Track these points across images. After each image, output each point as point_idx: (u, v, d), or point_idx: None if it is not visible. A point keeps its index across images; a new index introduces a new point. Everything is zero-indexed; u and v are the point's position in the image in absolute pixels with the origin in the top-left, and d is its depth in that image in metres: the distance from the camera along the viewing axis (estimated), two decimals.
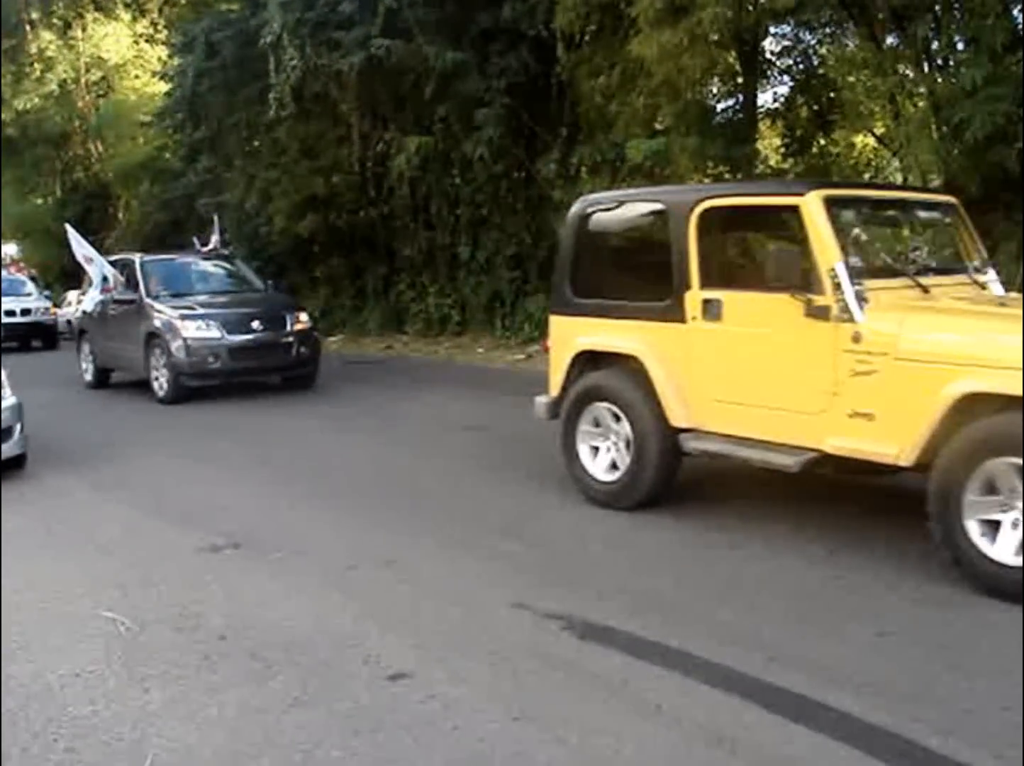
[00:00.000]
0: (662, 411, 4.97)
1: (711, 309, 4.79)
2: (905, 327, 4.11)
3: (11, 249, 34.13)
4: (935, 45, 10.58)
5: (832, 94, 13.84)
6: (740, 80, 13.51)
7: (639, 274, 5.50)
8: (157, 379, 10.46)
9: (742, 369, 4.71)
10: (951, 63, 10.39)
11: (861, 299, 4.21)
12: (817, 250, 4.35)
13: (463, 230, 16.90)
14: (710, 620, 3.66)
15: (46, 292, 22.80)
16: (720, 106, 14.07)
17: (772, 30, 13.04)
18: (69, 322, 19.86)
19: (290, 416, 9.26)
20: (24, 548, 4.88)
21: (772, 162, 14.90)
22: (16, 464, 6.62)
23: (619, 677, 3.19)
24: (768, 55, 13.94)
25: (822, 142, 14.40)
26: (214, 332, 10.25)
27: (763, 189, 5.74)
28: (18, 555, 4.71)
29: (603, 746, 2.76)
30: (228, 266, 12.49)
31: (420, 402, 9.90)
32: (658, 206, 5.34)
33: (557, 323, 5.72)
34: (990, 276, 5.06)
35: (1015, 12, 9.30)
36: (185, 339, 10.15)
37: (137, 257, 11.63)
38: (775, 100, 14.63)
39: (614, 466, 5.27)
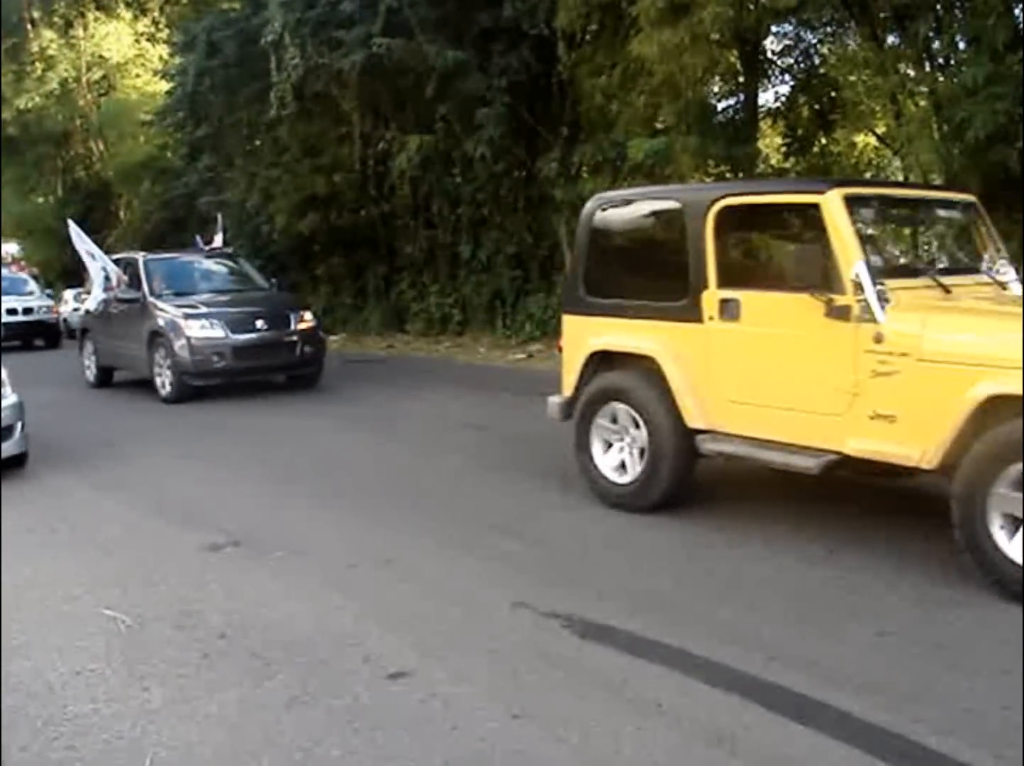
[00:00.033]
0: (678, 412, 4.90)
1: (729, 309, 4.71)
2: (928, 328, 4.03)
3: (12, 248, 34.18)
4: (936, 44, 10.60)
5: (833, 93, 13.85)
6: (741, 79, 13.52)
7: (654, 273, 5.40)
8: (161, 378, 10.45)
9: (760, 370, 4.64)
10: (952, 62, 10.40)
11: (883, 299, 4.13)
12: (838, 249, 4.26)
13: (464, 229, 16.91)
14: (710, 620, 3.66)
15: (48, 291, 22.79)
16: (721, 105, 14.10)
17: (773, 29, 13.05)
18: (64, 320, 19.88)
19: (290, 415, 9.26)
20: (24, 547, 4.88)
21: (773, 161, 14.92)
22: (17, 463, 6.62)
23: (619, 676, 3.19)
24: (769, 54, 13.97)
25: (823, 141, 14.42)
26: (218, 331, 10.23)
27: (782, 187, 5.62)
28: (18, 554, 4.71)
29: (603, 745, 2.77)
30: (232, 265, 12.47)
31: (421, 401, 9.90)
32: (674, 204, 5.22)
33: (570, 323, 5.64)
34: (1010, 276, 4.95)
35: (1016, 11, 9.30)
36: (189, 338, 10.13)
37: (140, 256, 11.61)
38: (776, 99, 14.68)
39: (628, 467, 5.20)
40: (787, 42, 13.77)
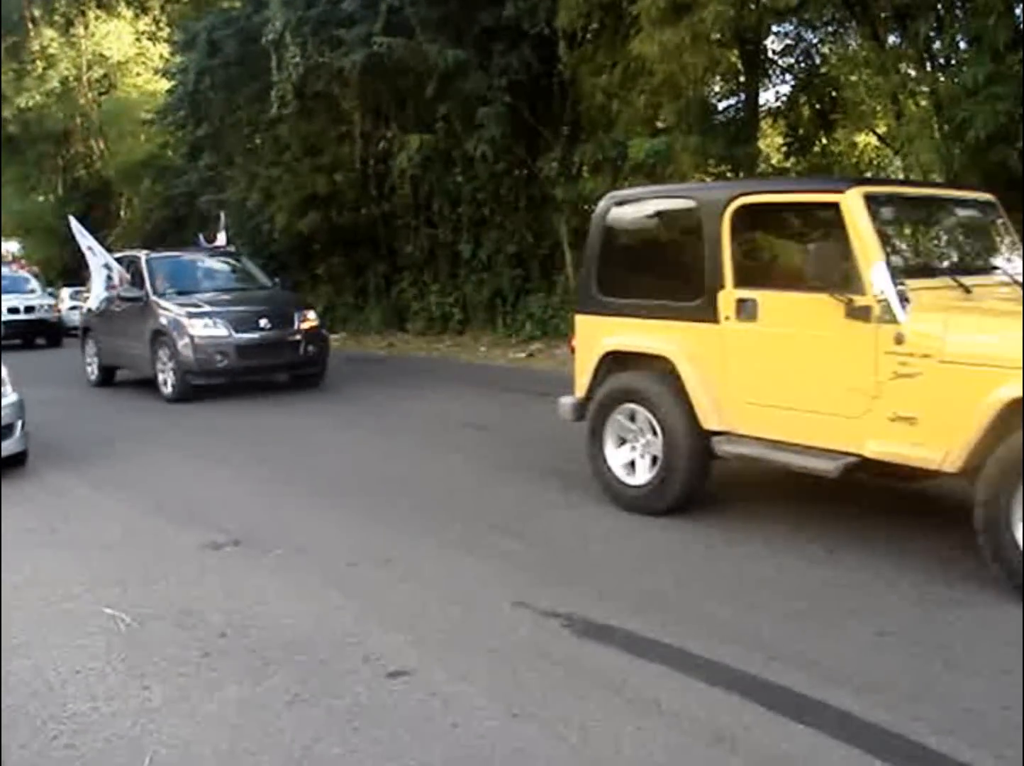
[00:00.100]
0: (693, 413, 4.85)
1: (746, 309, 4.66)
2: (950, 329, 3.97)
3: (13, 246, 34.19)
4: (937, 44, 10.60)
5: (834, 93, 13.86)
6: (742, 79, 13.52)
7: (669, 273, 5.32)
8: (163, 377, 10.44)
9: (778, 370, 4.58)
10: (953, 62, 10.39)
11: (903, 299, 4.08)
12: (858, 249, 4.21)
13: (465, 228, 16.91)
14: (710, 619, 3.66)
15: (49, 290, 22.80)
16: (722, 105, 14.13)
17: (774, 29, 13.05)
18: (60, 318, 19.87)
19: (291, 414, 9.26)
20: (25, 545, 4.88)
21: (774, 161, 14.92)
22: (17, 461, 6.62)
23: (619, 675, 3.19)
24: (770, 54, 13.96)
25: (824, 141, 14.42)
26: (221, 330, 10.21)
27: (800, 186, 5.51)
28: (19, 552, 4.71)
29: (603, 744, 2.77)
30: (235, 263, 12.46)
31: (421, 400, 9.91)
32: (690, 203, 5.14)
33: (583, 323, 5.58)
34: None
35: (1017, 11, 9.29)
36: (192, 337, 10.12)
37: (143, 254, 11.58)
38: (777, 99, 14.68)
39: (644, 470, 5.14)
40: (788, 42, 13.79)
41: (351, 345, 16.95)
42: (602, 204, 5.59)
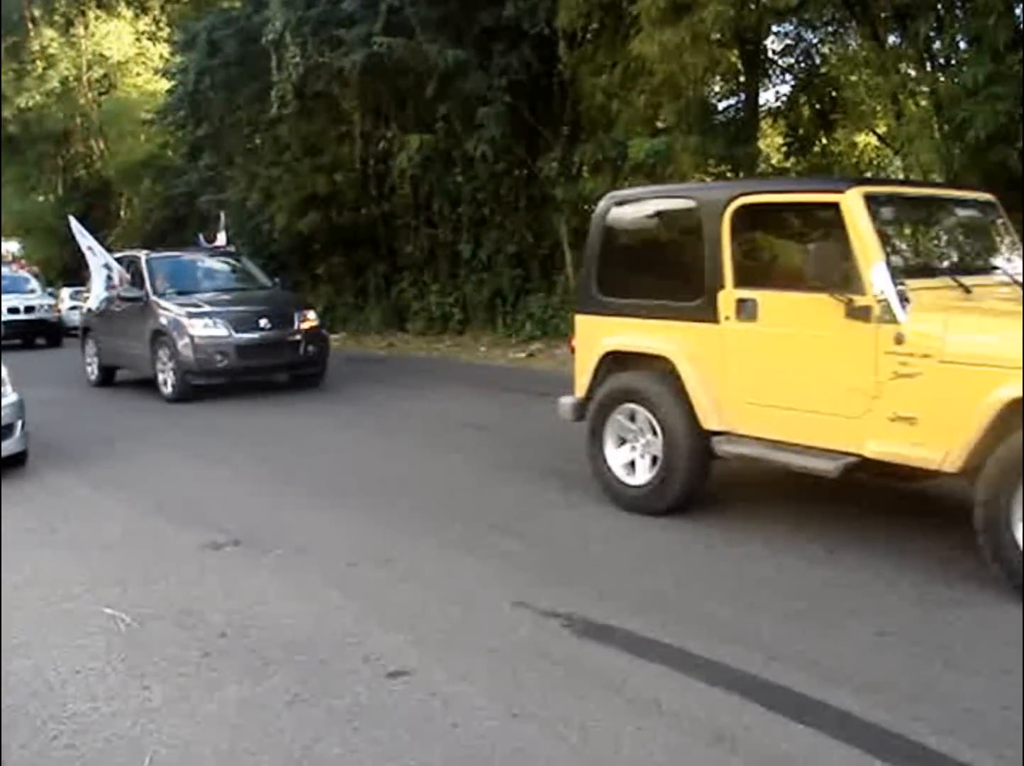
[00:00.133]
0: (693, 413, 4.85)
1: (746, 309, 4.66)
2: (950, 329, 3.97)
3: (13, 246, 34.19)
4: (937, 44, 10.60)
5: (834, 93, 13.86)
6: (742, 79, 13.53)
7: (669, 272, 5.32)
8: (163, 377, 10.44)
9: (778, 370, 4.58)
10: (953, 62, 10.39)
11: (903, 299, 4.09)
12: (858, 249, 4.21)
13: (465, 228, 16.92)
14: (710, 619, 3.66)
15: (49, 290, 22.80)
16: (722, 105, 14.13)
17: (774, 29, 13.06)
18: (60, 318, 19.88)
19: (291, 414, 9.26)
20: (25, 545, 4.88)
21: (774, 161, 14.92)
22: (17, 461, 6.62)
23: (619, 675, 3.19)
24: (770, 54, 13.96)
25: (824, 141, 14.42)
26: (221, 330, 10.21)
27: (801, 186, 5.51)
28: (18, 552, 4.71)
29: (602, 744, 2.77)
30: (235, 263, 12.46)
31: (421, 400, 9.91)
32: (690, 203, 5.14)
33: (583, 323, 5.58)
34: None
35: (1017, 11, 9.29)
36: (192, 337, 10.12)
37: (143, 254, 11.58)
38: (777, 99, 14.68)
39: (644, 470, 5.15)
40: (788, 42, 13.80)
41: (351, 345, 16.95)
42: (602, 204, 5.58)
